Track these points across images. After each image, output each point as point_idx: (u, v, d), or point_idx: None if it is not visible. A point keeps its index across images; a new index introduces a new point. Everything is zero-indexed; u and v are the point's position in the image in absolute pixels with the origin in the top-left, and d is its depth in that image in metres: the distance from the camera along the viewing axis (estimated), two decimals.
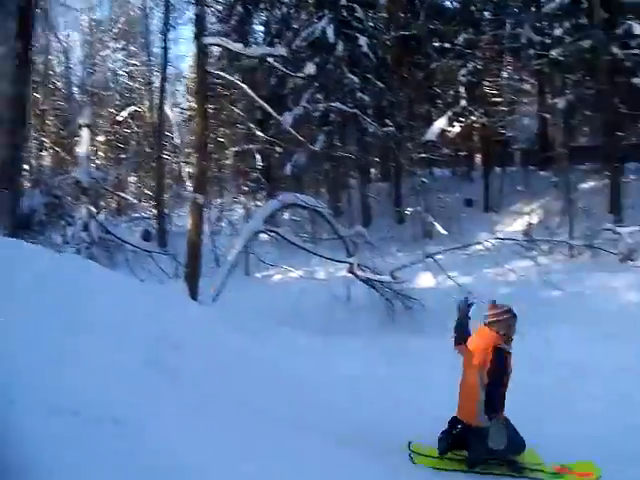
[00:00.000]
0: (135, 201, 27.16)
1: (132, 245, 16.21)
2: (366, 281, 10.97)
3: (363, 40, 19.40)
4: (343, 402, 5.44)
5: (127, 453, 2.85)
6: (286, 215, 17.72)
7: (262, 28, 23.70)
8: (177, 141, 30.79)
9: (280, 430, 3.95)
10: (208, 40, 9.80)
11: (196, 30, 10.00)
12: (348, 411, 5.29)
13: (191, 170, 33.71)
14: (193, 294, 9.48)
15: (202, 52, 9.87)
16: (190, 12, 23.29)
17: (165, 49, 22.42)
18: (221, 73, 11.14)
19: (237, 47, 9.69)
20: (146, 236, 20.84)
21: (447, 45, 20.11)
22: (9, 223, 9.60)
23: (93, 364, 3.69)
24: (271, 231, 11.05)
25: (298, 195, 11.68)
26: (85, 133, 15.59)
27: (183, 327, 5.60)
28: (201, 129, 10.24)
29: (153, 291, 7.32)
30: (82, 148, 15.71)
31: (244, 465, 3.09)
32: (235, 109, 21.18)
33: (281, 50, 10.53)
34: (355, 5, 19.62)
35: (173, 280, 13.29)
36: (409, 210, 20.01)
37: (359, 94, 19.37)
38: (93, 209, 16.07)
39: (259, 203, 22.39)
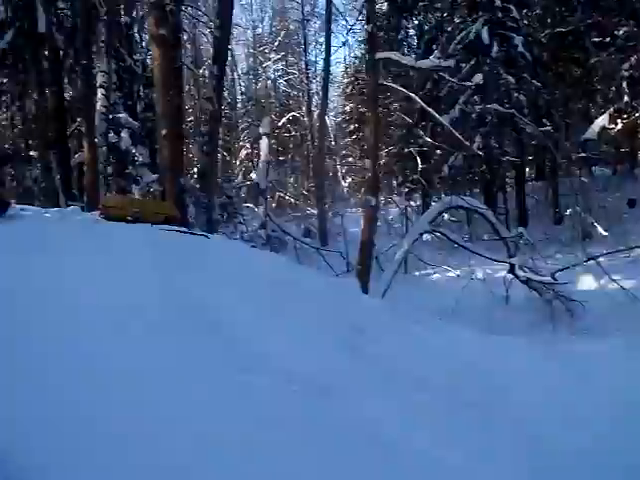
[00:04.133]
0: (295, 201, 28.76)
1: (305, 243, 17.49)
2: (526, 282, 11.24)
3: (518, 39, 19.36)
4: (530, 395, 4.92)
5: (333, 418, 3.43)
6: (445, 216, 18.18)
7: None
8: (333, 143, 32.18)
9: (469, 414, 4.20)
10: (380, 55, 10.62)
11: (368, 46, 10.84)
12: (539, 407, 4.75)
13: (344, 170, 35.31)
14: (364, 290, 10.29)
15: (374, 66, 10.72)
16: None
17: (327, 61, 23.55)
18: (393, 85, 11.95)
19: (408, 60, 10.44)
20: (307, 234, 22.11)
21: (607, 39, 19.56)
22: (205, 221, 11.03)
23: (298, 341, 4.56)
24: (436, 231, 11.63)
25: (463, 197, 12.17)
26: (264, 141, 17.07)
27: (363, 315, 6.28)
28: (374, 136, 11.10)
29: (334, 283, 8.27)
30: (262, 154, 17.21)
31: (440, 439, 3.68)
32: (401, 114, 21.83)
33: (449, 62, 11.14)
34: (510, 5, 19.63)
35: (342, 276, 14.21)
36: (568, 211, 19.72)
37: (515, 94, 19.40)
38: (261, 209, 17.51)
39: (413, 203, 23.04)
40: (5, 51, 17.53)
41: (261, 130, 17.50)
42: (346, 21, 26.18)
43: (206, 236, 8.36)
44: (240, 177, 27.89)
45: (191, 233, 8.32)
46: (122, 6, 18.58)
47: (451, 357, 5.46)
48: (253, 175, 19.16)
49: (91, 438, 2.48)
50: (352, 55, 32.85)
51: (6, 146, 16.32)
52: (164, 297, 4.51)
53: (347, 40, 38.88)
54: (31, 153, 17.55)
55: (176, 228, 8.31)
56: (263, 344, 4.19)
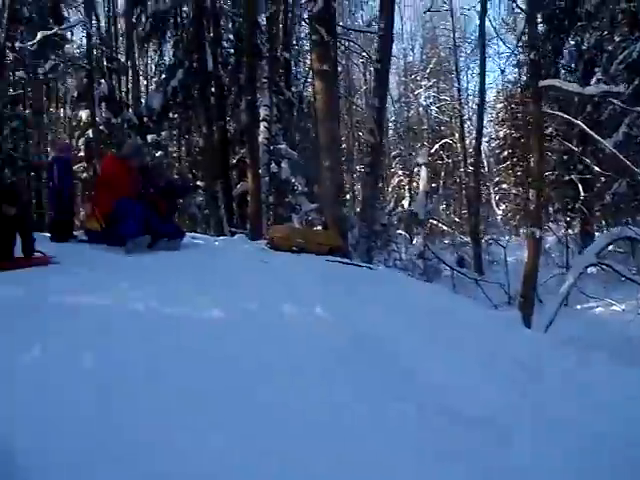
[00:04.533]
0: (448, 229, 28.38)
1: (462, 273, 17.23)
2: None
3: None
4: None
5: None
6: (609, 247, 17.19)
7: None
8: (486, 169, 31.54)
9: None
10: (544, 83, 10.32)
11: (531, 74, 10.58)
12: None
13: (497, 197, 34.38)
14: (526, 323, 9.96)
15: (538, 94, 10.44)
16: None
17: (482, 87, 23.23)
18: (558, 113, 11.59)
19: (574, 88, 10.08)
20: (460, 263, 21.68)
21: None
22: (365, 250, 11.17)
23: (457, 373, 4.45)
24: (602, 264, 11.06)
25: (631, 227, 11.51)
26: (423, 171, 17.16)
27: (525, 349, 5.96)
28: (538, 166, 10.77)
29: (494, 315, 8.05)
30: (421, 184, 17.31)
31: None
32: (560, 140, 21.00)
33: (620, 87, 10.63)
34: None
35: (502, 308, 13.81)
36: None
37: None
38: (419, 239, 17.47)
39: (571, 232, 21.97)
40: (176, 89, 18.95)
41: (419, 160, 17.61)
42: (505, 45, 25.52)
43: (369, 267, 8.45)
44: (392, 204, 27.98)
45: (355, 264, 8.45)
46: (281, 45, 19.52)
47: (622, 408, 5.00)
48: (405, 203, 19.21)
49: None
50: (505, 80, 32.15)
51: (189, 176, 17.52)
52: (338, 328, 4.56)
53: (504, 69, 38.08)
54: (198, 183, 18.72)
55: (340, 259, 8.49)
56: (425, 374, 4.14)
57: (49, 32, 14.16)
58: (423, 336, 4.94)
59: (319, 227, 14.70)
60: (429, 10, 17.52)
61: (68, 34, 20.94)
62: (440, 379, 4.07)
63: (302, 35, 22.87)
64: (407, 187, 30.45)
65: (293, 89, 20.82)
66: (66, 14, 22.77)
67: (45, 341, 3.47)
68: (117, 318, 4.02)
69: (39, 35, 13.27)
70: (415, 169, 21.63)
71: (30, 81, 18.20)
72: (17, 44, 16.06)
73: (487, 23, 22.40)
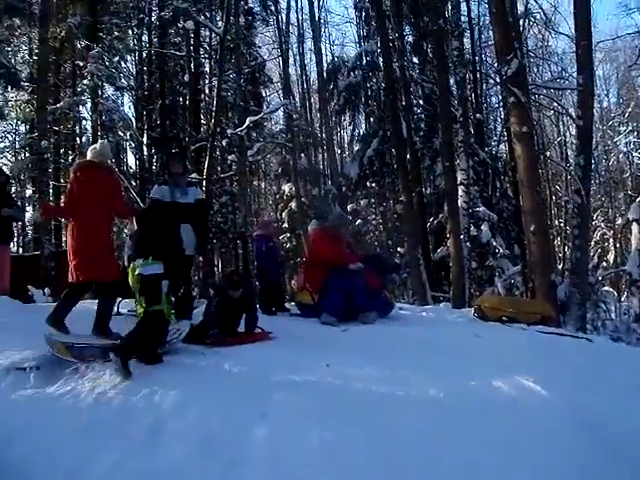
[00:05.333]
0: None
1: None
2: None
3: None
4: None
5: None
6: None
7: None
8: None
9: None
10: None
11: None
12: None
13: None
14: None
15: None
16: None
17: None
18: None
19: None
20: None
21: None
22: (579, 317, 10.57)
23: None
24: None
25: None
26: (635, 227, 16.05)
27: None
28: None
29: None
30: (633, 241, 16.20)
31: None
32: None
33: None
34: None
35: None
36: None
37: None
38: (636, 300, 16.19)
39: None
40: (371, 158, 19.58)
41: (630, 216, 16.47)
42: None
43: (588, 339, 7.94)
44: (596, 259, 26.33)
45: (571, 335, 7.99)
46: (472, 106, 19.53)
47: None
48: (610, 258, 17.87)
49: None
50: None
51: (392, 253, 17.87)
52: (572, 419, 4.20)
53: None
54: (399, 250, 19.02)
55: (554, 330, 8.07)
56: None
57: (256, 117, 15.29)
58: None
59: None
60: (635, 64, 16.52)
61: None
62: None
63: (491, 92, 22.84)
64: (612, 241, 28.57)
65: (486, 149, 20.67)
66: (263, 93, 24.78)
67: (274, 417, 3.71)
68: (339, 396, 4.11)
69: (247, 121, 14.39)
70: (624, 223, 20.18)
71: (240, 162, 19.70)
72: (228, 131, 17.48)
73: None
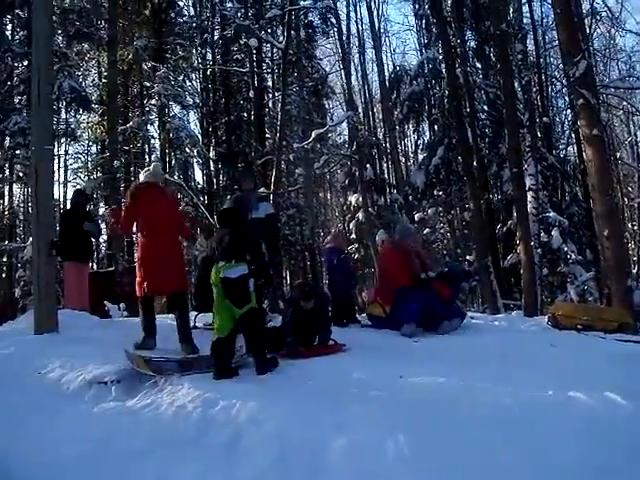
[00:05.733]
0: None
1: None
2: None
3: None
4: None
5: None
6: None
7: None
8: None
9: None
10: None
11: None
12: None
13: None
14: None
15: None
16: None
17: None
18: None
19: None
20: None
21: None
22: None
23: None
24: None
25: None
26: None
27: None
28: None
29: None
30: None
31: None
32: None
33: None
34: None
35: None
36: None
37: None
38: None
39: None
40: (438, 166, 19.46)
41: None
42: None
43: None
44: None
45: None
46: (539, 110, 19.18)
47: None
48: None
49: None
50: None
51: (462, 263, 17.64)
52: None
53: None
54: (468, 258, 18.81)
55: (632, 337, 7.83)
56: None
57: (321, 130, 15.39)
58: None
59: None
60: None
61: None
62: None
63: (557, 94, 22.39)
64: None
65: (555, 152, 20.25)
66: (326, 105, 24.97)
67: (350, 428, 3.75)
68: (413, 408, 4.09)
69: (313, 134, 14.49)
70: None
71: (306, 175, 19.91)
72: (295, 144, 17.70)
73: None
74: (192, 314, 7.68)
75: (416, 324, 7.26)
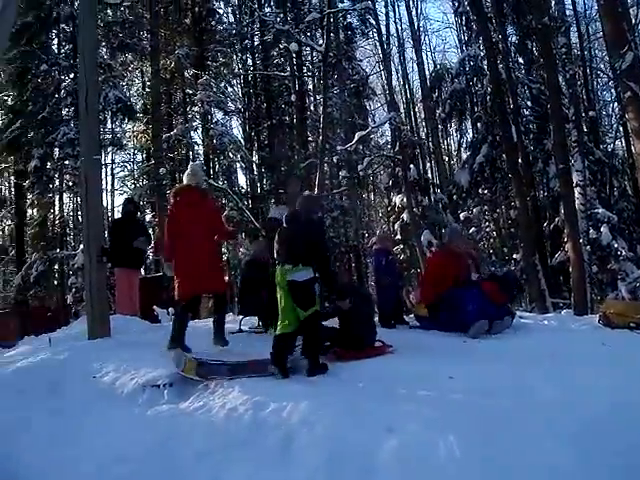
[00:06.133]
0: None
1: None
2: None
3: None
4: None
5: None
6: None
7: None
8: None
9: None
10: None
11: None
12: None
13: None
14: None
15: None
16: None
17: None
18: None
19: None
20: None
21: None
22: None
23: None
24: None
25: None
26: None
27: None
28: None
29: None
30: None
31: None
32: None
33: None
34: None
35: None
36: None
37: None
38: None
39: None
40: (482, 164, 19.25)
41: None
42: None
43: None
44: None
45: None
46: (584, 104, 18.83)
47: None
48: None
49: None
50: None
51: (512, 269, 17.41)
52: None
53: None
54: (514, 256, 18.59)
55: None
56: None
57: (365, 132, 15.39)
58: None
59: None
60: None
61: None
62: None
63: (603, 87, 21.97)
64: None
65: (602, 147, 19.84)
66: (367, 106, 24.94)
67: (401, 428, 3.75)
68: (463, 408, 4.05)
69: (356, 136, 14.50)
70: None
71: (350, 177, 19.94)
72: (338, 147, 17.72)
73: None
74: (237, 318, 7.79)
75: (476, 324, 7.12)
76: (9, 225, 24.54)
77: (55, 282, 21.38)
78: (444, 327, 7.42)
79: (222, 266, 7.22)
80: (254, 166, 22.11)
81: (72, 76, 18.95)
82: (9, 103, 20.81)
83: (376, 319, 8.41)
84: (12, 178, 23.95)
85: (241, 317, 7.81)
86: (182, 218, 6.35)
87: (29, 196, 21.00)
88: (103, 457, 4.02)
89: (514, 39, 21.00)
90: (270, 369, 5.13)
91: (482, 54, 19.88)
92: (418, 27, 23.53)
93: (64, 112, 19.75)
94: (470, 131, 22.51)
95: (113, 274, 9.50)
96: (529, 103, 20.83)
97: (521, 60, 21.17)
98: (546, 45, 16.34)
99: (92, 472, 3.94)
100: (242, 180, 23.93)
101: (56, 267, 20.85)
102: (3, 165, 22.40)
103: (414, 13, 23.13)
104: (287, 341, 5.35)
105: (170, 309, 12.32)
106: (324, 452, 3.67)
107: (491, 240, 20.96)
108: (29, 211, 22.17)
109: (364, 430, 3.80)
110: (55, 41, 20.71)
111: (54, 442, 4.28)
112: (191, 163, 8.28)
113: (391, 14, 22.89)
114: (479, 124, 20.92)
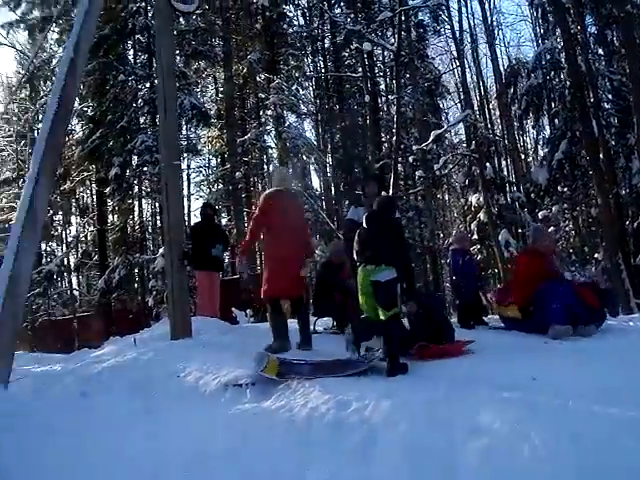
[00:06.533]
0: None
1: None
2: None
3: None
4: None
5: None
6: None
7: None
8: None
9: None
10: None
11: None
12: None
13: None
14: None
15: None
16: None
17: None
18: None
19: None
20: None
21: None
22: None
23: None
24: None
25: None
26: None
27: None
28: None
29: None
30: None
31: None
32: None
33: None
34: None
35: None
36: None
37: None
38: None
39: None
40: (561, 162, 18.68)
41: None
42: None
43: None
44: None
45: None
46: None
47: None
48: None
49: None
50: None
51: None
52: None
53: None
54: (595, 256, 18.02)
55: None
56: None
57: (440, 131, 15.21)
58: None
59: None
60: None
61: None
62: None
63: None
64: None
65: None
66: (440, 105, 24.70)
67: (483, 428, 3.68)
68: (547, 410, 3.89)
69: (432, 135, 14.34)
70: None
71: (425, 177, 19.77)
72: (414, 147, 17.61)
73: None
74: (312, 319, 7.82)
75: (558, 327, 6.80)
76: (92, 231, 25.39)
77: (136, 285, 22.05)
78: (533, 328, 7.16)
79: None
80: (328, 168, 22.21)
81: (148, 85, 19.58)
82: (89, 114, 21.66)
83: (455, 320, 8.34)
84: (94, 186, 24.88)
85: (315, 318, 7.84)
86: (274, 222, 6.44)
87: (110, 203, 21.81)
88: (188, 453, 4.09)
89: (593, 29, 20.28)
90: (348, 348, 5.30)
91: (559, 47, 19.26)
92: (491, 21, 22.95)
93: (142, 120, 20.41)
94: (547, 127, 21.82)
95: (194, 277, 9.73)
96: (610, 96, 20.02)
97: (601, 51, 20.42)
98: (628, 34, 15.70)
99: (176, 467, 4.02)
100: (316, 182, 24.11)
101: (137, 271, 21.44)
102: (85, 174, 23.23)
103: (487, 7, 22.56)
104: (368, 324, 5.45)
105: (248, 310, 12.56)
106: (407, 451, 3.63)
107: (570, 239, 20.32)
108: (110, 217, 23.09)
109: (446, 430, 3.73)
110: (131, 52, 21.34)
111: (148, 437, 4.39)
112: (279, 167, 8.39)
113: (463, 9, 22.43)
114: (557, 120, 20.27)
